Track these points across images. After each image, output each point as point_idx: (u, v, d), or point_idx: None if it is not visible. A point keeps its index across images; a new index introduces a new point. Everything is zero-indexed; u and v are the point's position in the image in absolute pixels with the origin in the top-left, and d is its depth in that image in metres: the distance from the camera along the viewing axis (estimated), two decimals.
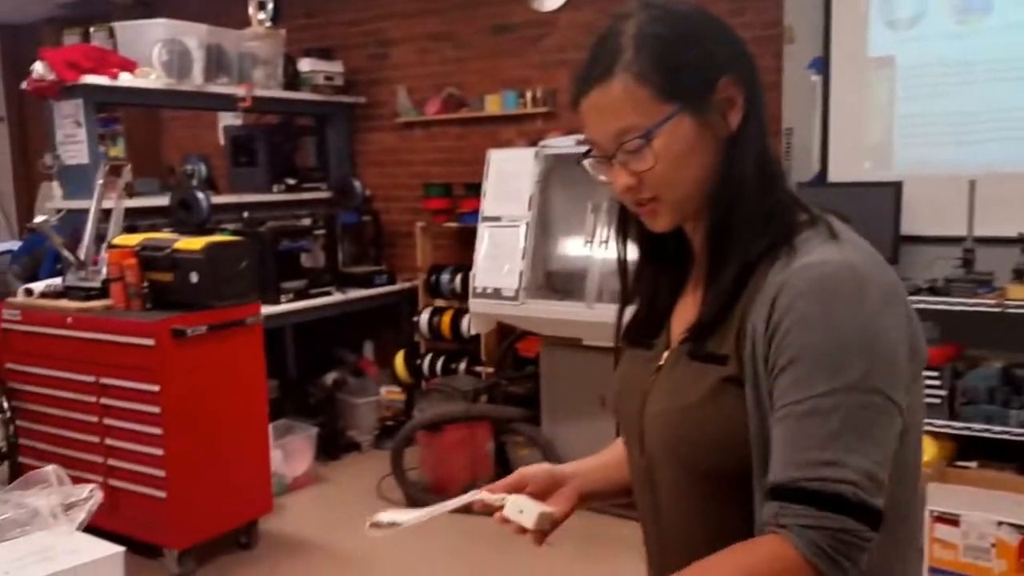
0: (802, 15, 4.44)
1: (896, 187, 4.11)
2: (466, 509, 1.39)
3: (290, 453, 4.99)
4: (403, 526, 1.39)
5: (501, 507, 1.35)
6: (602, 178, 1.23)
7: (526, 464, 4.45)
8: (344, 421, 5.77)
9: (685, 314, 1.25)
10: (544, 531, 1.33)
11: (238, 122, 6.35)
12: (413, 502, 4.80)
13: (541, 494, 1.38)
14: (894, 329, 1.08)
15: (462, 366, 5.70)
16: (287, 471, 4.94)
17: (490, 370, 5.49)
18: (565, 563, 4.16)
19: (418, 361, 5.85)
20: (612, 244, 4.48)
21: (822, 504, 1.01)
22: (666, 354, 1.25)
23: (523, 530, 1.33)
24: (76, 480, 1.80)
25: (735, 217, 1.15)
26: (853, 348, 1.04)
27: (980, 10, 4.03)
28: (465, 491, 4.54)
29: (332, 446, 5.50)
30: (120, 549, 1.61)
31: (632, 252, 1.33)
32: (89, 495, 1.74)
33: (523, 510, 1.32)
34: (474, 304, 4.89)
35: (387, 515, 1.40)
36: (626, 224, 1.32)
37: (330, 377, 5.88)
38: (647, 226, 1.24)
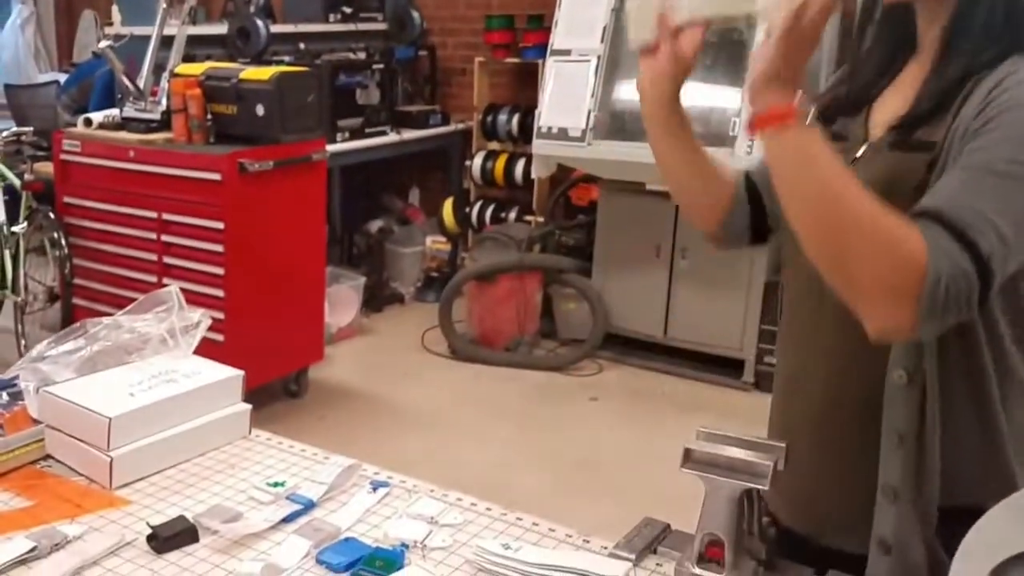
0: None
1: None
2: None
3: (336, 303, 4.91)
4: None
5: None
6: None
7: (572, 318, 4.32)
8: (387, 271, 5.68)
9: (890, 104, 1.22)
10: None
11: None
12: (458, 356, 4.81)
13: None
14: None
15: (512, 215, 5.61)
16: (333, 321, 4.87)
17: (540, 219, 5.41)
18: (610, 417, 4.24)
19: (467, 209, 5.72)
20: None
21: (963, 246, 1.00)
22: (864, 147, 1.22)
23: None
24: None
25: (978, 15, 1.12)
26: None
27: None
28: (510, 348, 4.49)
29: (375, 297, 5.43)
30: (240, 372, 1.59)
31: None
32: (200, 319, 1.69)
33: None
34: (537, 145, 4.67)
35: None
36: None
37: (375, 225, 5.80)
38: None
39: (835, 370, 1.24)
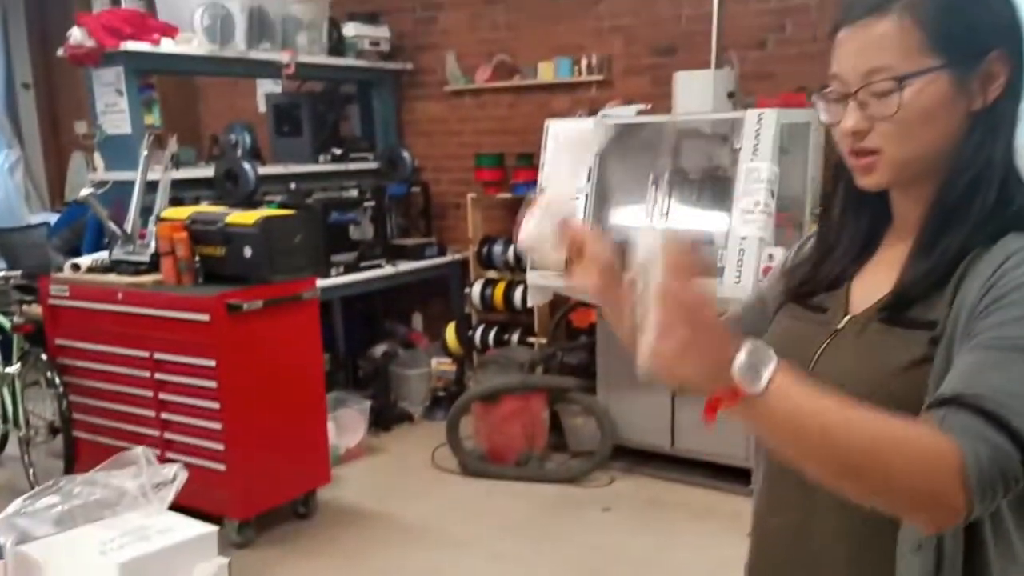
0: None
1: None
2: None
3: (343, 425, 4.95)
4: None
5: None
6: (824, 117, 1.19)
7: (581, 432, 4.33)
8: (395, 392, 5.73)
9: (871, 280, 1.22)
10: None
11: (278, 89, 6.21)
12: (469, 472, 4.80)
13: None
14: None
15: (515, 337, 5.67)
16: (341, 443, 4.90)
17: (543, 341, 5.47)
18: (624, 526, 4.19)
19: (470, 332, 5.78)
20: (672, 216, 4.48)
21: (994, 425, 0.95)
22: (847, 318, 1.21)
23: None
24: None
25: (975, 195, 1.11)
26: None
27: None
28: (520, 462, 4.53)
29: (384, 417, 5.47)
30: (214, 528, 1.57)
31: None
32: (175, 475, 1.68)
33: None
34: (532, 277, 4.79)
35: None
36: (839, 180, 1.27)
37: (380, 349, 5.85)
38: (856, 181, 1.19)
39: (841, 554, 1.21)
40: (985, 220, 1.10)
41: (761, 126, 4.10)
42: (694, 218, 4.45)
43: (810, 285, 1.28)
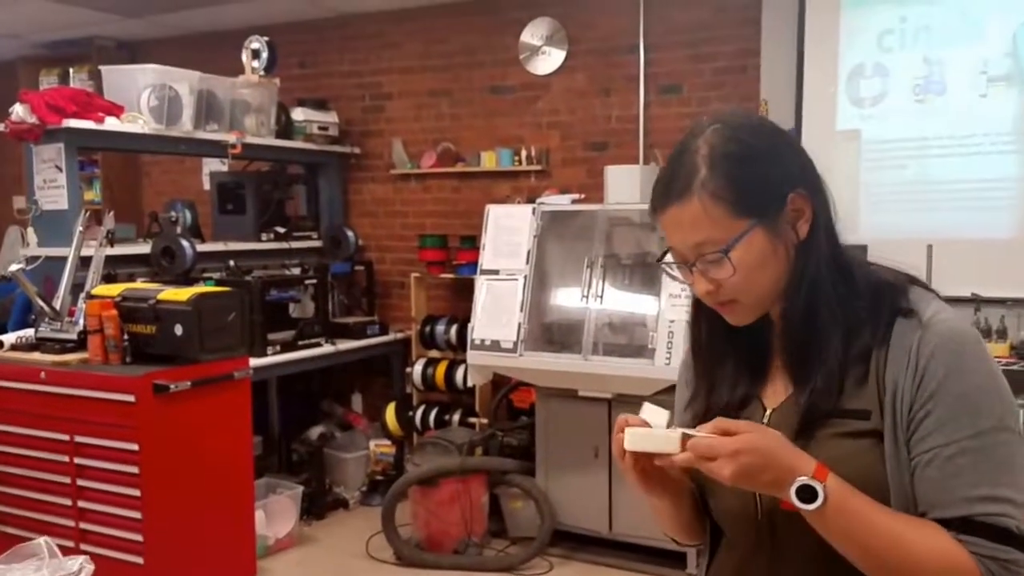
0: (777, 91, 4.91)
1: (862, 250, 4.18)
2: None
3: (273, 514, 4.80)
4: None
5: None
6: (678, 278, 1.33)
7: (520, 516, 4.33)
8: (331, 477, 5.62)
9: (775, 386, 1.34)
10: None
11: (224, 168, 6.19)
12: (404, 561, 4.69)
13: None
14: (1003, 375, 1.22)
15: (456, 418, 5.66)
16: (269, 532, 4.75)
17: (484, 421, 5.47)
18: None
19: (410, 413, 5.74)
20: (606, 297, 4.62)
21: (994, 537, 1.15)
22: (768, 412, 1.33)
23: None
24: None
25: (817, 308, 1.26)
26: (990, 393, 1.19)
27: (936, 92, 4.48)
28: (459, 550, 4.39)
29: (317, 504, 5.33)
30: None
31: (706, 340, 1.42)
32: (81, 568, 1.61)
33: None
34: (472, 356, 4.87)
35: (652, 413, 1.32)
36: (699, 316, 1.40)
37: (316, 432, 5.74)
38: (729, 321, 1.33)
39: None
40: (860, 318, 1.25)
41: None
42: (626, 301, 4.65)
43: (717, 411, 1.34)
